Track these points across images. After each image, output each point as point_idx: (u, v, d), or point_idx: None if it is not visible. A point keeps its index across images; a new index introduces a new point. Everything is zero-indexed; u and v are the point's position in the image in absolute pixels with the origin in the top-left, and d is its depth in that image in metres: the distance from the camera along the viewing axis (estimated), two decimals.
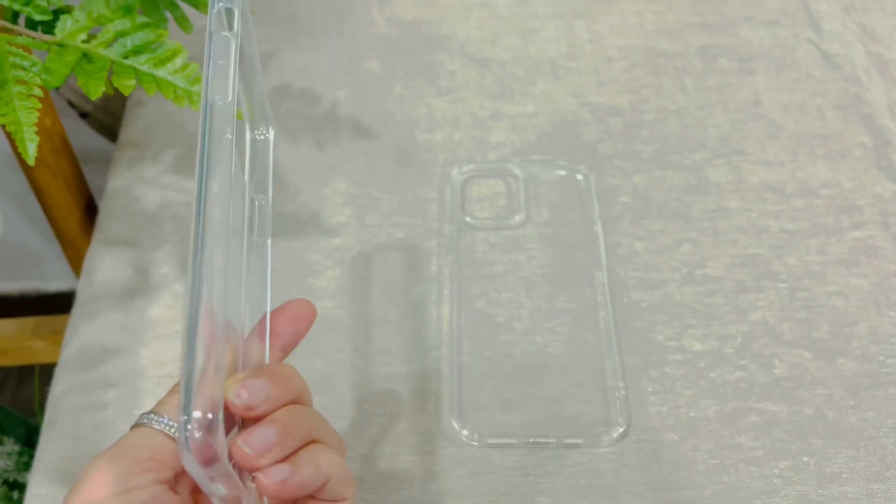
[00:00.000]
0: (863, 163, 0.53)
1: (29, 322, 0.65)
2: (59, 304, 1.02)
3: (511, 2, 0.63)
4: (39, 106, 0.37)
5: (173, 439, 0.26)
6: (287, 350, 0.31)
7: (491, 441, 0.42)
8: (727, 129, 0.55)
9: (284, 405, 0.27)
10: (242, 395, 0.26)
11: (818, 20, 0.61)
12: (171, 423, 0.27)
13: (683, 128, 0.55)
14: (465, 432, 0.42)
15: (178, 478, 0.27)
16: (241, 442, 0.25)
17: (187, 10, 0.48)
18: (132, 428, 0.27)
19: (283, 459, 0.26)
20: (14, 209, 0.90)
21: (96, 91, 0.37)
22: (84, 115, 0.74)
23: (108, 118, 0.73)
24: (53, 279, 1.01)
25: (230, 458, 0.25)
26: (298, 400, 0.27)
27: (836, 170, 0.53)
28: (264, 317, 0.31)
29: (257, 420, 0.26)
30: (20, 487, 0.63)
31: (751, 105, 0.56)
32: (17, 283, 1.00)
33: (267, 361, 0.30)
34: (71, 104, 0.72)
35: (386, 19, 0.62)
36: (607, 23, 0.61)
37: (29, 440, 0.70)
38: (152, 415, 0.27)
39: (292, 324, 0.30)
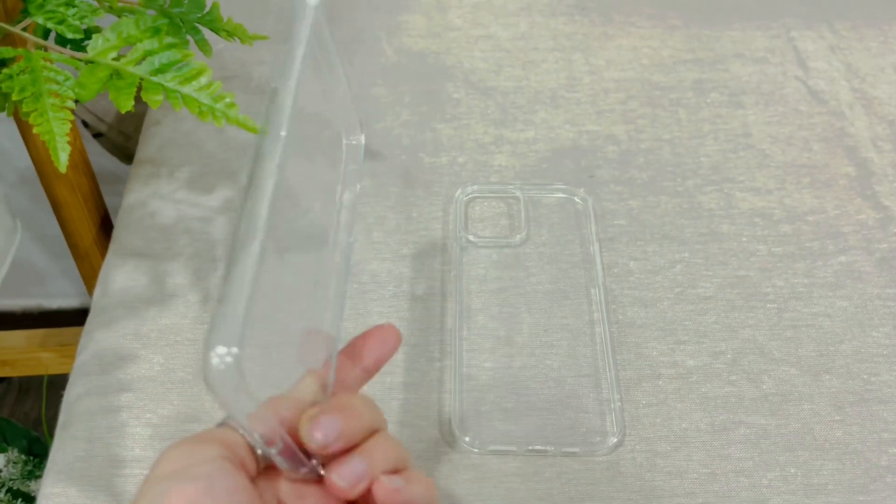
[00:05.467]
0: (847, 192, 0.56)
1: (37, 334, 0.66)
2: (62, 320, 1.03)
3: (513, 35, 0.66)
4: (72, 118, 0.39)
5: (246, 441, 0.28)
6: (370, 372, 0.32)
7: (491, 448, 0.44)
8: (718, 158, 0.58)
9: (359, 438, 0.28)
10: (317, 436, 0.27)
11: (805, 58, 0.65)
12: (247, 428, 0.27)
13: (677, 156, 0.58)
14: (466, 439, 0.44)
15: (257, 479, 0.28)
16: (335, 476, 0.27)
17: (207, 34, 0.51)
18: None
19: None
20: (22, 228, 0.92)
21: (127, 105, 0.39)
22: (97, 136, 0.76)
23: (120, 138, 0.76)
24: (56, 297, 1.02)
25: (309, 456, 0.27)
26: (375, 428, 0.28)
27: (822, 198, 0.55)
28: (354, 338, 0.32)
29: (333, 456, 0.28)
30: (24, 496, 0.64)
31: (741, 136, 0.59)
32: (22, 300, 1.02)
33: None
34: (85, 124, 0.75)
35: (394, 49, 0.65)
36: (605, 56, 0.64)
37: (31, 451, 0.71)
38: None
39: (379, 346, 0.32)
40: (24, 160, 0.63)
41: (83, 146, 0.56)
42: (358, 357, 0.32)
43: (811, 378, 0.47)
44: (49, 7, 0.42)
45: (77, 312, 1.03)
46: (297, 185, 0.56)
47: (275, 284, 0.50)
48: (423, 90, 0.61)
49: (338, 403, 0.28)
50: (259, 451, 0.28)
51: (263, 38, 0.53)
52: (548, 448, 0.44)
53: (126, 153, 0.77)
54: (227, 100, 0.41)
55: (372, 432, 0.28)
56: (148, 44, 0.41)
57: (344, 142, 0.39)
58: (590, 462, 0.43)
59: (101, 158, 0.78)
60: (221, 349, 0.24)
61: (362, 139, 0.39)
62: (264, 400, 0.29)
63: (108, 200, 0.64)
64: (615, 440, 0.44)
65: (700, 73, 0.63)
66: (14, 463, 0.64)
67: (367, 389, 0.46)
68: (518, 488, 0.42)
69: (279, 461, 0.28)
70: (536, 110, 0.61)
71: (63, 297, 1.04)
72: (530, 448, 0.44)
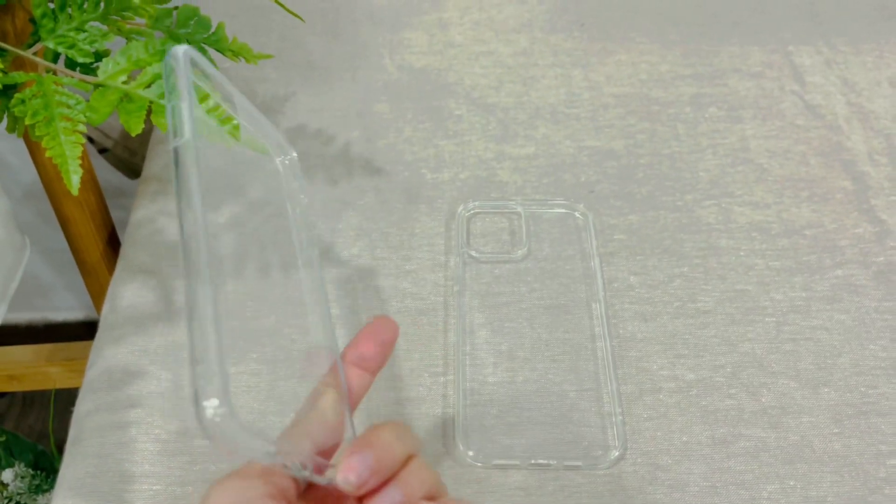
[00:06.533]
0: (844, 206, 0.57)
1: (45, 348, 0.67)
2: (67, 333, 1.04)
3: (514, 51, 0.67)
4: (83, 141, 0.40)
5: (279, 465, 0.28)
6: (373, 371, 0.32)
7: (495, 462, 0.44)
8: (717, 172, 0.59)
9: (393, 470, 0.28)
10: (351, 479, 0.27)
11: (802, 73, 0.65)
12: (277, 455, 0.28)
13: (676, 171, 0.59)
14: (470, 453, 0.44)
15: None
16: None
17: (213, 54, 0.52)
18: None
19: None
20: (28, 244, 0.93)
21: (137, 128, 0.40)
22: (103, 151, 0.77)
23: (125, 154, 0.77)
24: (61, 310, 1.03)
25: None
26: (408, 455, 0.29)
27: (819, 212, 0.56)
28: (351, 341, 0.32)
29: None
30: None
31: (739, 150, 0.60)
32: (27, 313, 1.03)
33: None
34: (91, 140, 0.76)
35: (397, 66, 0.65)
36: (604, 72, 0.65)
37: (37, 465, 0.71)
38: None
39: (373, 348, 0.32)
40: (28, 175, 0.64)
41: (91, 164, 0.57)
42: (355, 360, 0.32)
43: (810, 391, 0.47)
44: (60, 31, 0.43)
45: (82, 325, 1.04)
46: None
47: (280, 301, 0.50)
48: (425, 106, 0.62)
49: (367, 439, 0.28)
50: (296, 475, 0.29)
51: (268, 56, 0.54)
52: (550, 462, 0.44)
53: (131, 168, 0.78)
54: (235, 122, 0.42)
55: (407, 459, 0.29)
56: (157, 67, 0.42)
57: (278, 160, 0.39)
58: (592, 476, 0.44)
59: (105, 173, 0.79)
60: (212, 402, 0.24)
61: (294, 154, 0.39)
62: (289, 425, 0.30)
63: (114, 215, 0.65)
64: (617, 454, 0.45)
65: (698, 88, 0.64)
66: (21, 477, 0.65)
67: (373, 403, 0.47)
68: (521, 502, 0.43)
69: (317, 480, 0.28)
70: (537, 126, 0.61)
71: (68, 310, 1.05)
72: (533, 462, 0.44)
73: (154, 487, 0.43)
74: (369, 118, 0.61)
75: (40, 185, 0.57)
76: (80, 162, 0.38)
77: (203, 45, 0.51)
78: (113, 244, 0.60)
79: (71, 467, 0.45)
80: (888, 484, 0.44)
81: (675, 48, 0.67)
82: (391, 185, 0.57)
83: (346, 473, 0.27)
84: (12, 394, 1.03)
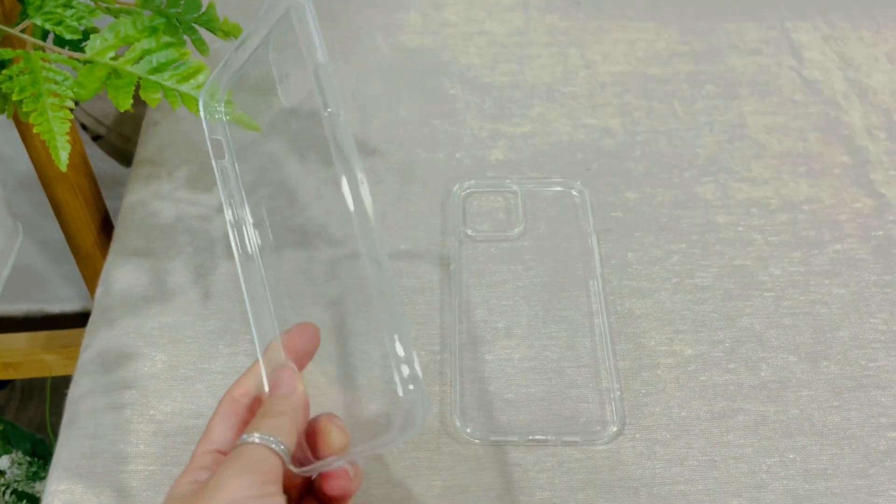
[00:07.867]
0: (842, 180, 0.56)
1: (40, 336, 0.67)
2: (64, 324, 1.03)
3: (509, 30, 0.66)
4: (71, 117, 0.39)
5: (276, 453, 0.30)
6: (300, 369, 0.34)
7: (493, 439, 0.44)
8: (714, 149, 0.58)
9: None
10: None
11: (799, 49, 0.65)
12: (271, 438, 0.30)
13: (673, 148, 0.58)
14: (467, 430, 0.44)
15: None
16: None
17: (204, 33, 0.51)
18: (237, 447, 0.30)
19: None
20: (23, 232, 0.92)
21: (125, 104, 0.39)
22: (96, 138, 0.77)
23: (119, 141, 0.76)
24: (58, 301, 1.02)
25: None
26: None
27: (818, 187, 0.56)
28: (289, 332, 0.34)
29: None
30: (28, 498, 0.65)
31: (736, 127, 0.60)
32: (24, 305, 1.02)
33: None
34: (84, 127, 0.75)
35: (390, 47, 0.65)
36: (600, 50, 0.65)
37: (35, 453, 0.71)
38: (254, 434, 0.30)
39: (311, 344, 0.34)
40: (23, 165, 0.64)
41: (83, 148, 0.57)
42: (293, 354, 0.34)
43: (809, 365, 0.47)
44: (47, 9, 0.42)
45: (79, 316, 1.03)
46: (294, 183, 0.56)
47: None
48: (419, 87, 0.62)
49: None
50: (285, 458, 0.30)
51: None
52: (548, 438, 0.44)
53: (125, 155, 0.77)
54: (226, 98, 0.41)
55: None
56: (145, 43, 0.42)
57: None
58: (590, 451, 0.44)
59: (100, 163, 0.79)
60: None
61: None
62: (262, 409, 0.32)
63: (108, 204, 0.64)
64: (615, 429, 0.44)
65: (695, 66, 0.64)
66: (18, 464, 0.65)
67: (371, 381, 0.46)
68: (520, 478, 0.43)
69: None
70: (532, 105, 0.61)
71: (65, 302, 1.04)
72: (531, 438, 0.44)
73: (149, 468, 0.43)
74: (364, 99, 0.61)
75: (35, 176, 0.57)
76: (67, 138, 0.38)
77: (194, 24, 0.50)
78: (107, 230, 0.60)
79: (66, 449, 0.44)
80: (888, 456, 0.44)
81: (672, 25, 0.67)
82: (386, 166, 0.57)
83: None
84: (11, 386, 1.03)
